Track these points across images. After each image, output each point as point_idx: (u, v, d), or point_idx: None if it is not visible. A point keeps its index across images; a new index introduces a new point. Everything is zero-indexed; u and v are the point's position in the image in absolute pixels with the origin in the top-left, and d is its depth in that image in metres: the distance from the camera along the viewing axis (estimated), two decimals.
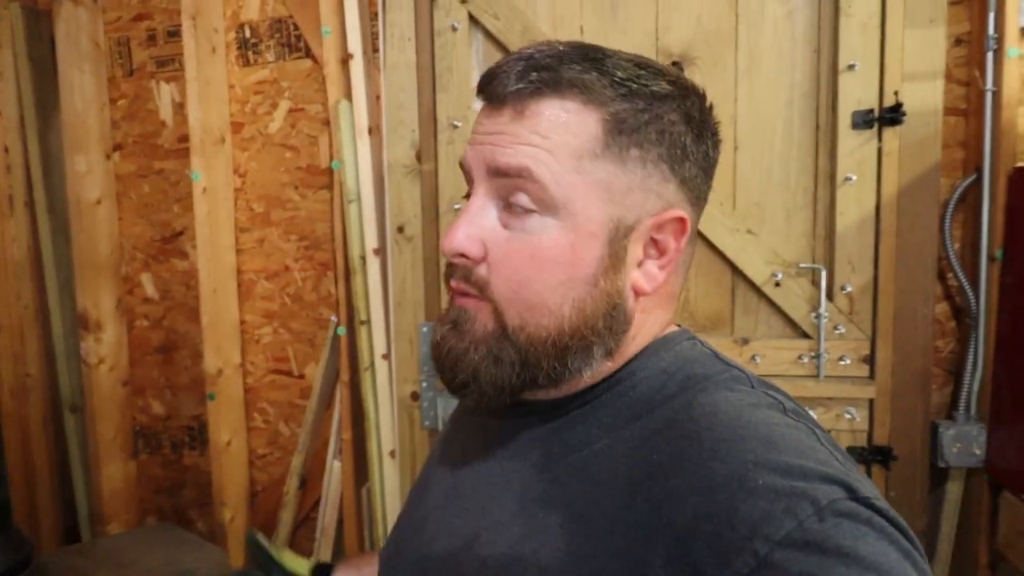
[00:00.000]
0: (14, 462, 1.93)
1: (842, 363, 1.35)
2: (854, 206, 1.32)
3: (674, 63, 1.38)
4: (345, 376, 1.70)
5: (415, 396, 1.55)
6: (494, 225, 0.51)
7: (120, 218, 1.99)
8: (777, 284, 1.37)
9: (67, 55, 1.85)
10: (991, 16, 1.28)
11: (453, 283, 0.52)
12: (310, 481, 1.83)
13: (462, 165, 0.54)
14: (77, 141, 1.88)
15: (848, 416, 1.35)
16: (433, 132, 1.50)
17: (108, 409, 1.96)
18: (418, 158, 1.51)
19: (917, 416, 1.34)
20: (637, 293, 0.52)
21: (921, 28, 1.27)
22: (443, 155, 1.49)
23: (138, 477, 2.05)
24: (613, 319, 0.51)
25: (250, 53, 1.80)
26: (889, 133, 1.30)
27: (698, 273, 1.41)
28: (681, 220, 0.51)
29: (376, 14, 1.56)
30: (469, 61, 1.47)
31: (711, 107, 0.54)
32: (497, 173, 0.50)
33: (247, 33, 1.80)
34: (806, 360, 1.37)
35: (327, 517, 1.77)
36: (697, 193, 0.53)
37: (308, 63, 1.76)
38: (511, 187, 0.49)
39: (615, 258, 0.50)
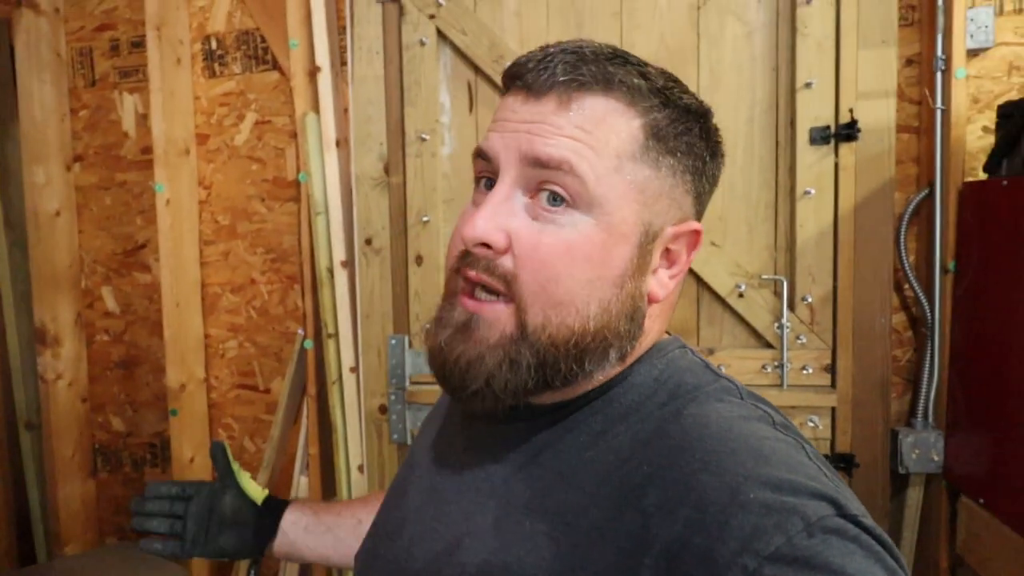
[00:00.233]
0: None
1: (804, 372, 1.38)
2: (813, 219, 1.36)
3: None
4: (312, 390, 1.68)
5: (383, 409, 1.54)
6: (521, 215, 0.49)
7: (81, 230, 1.94)
8: (740, 295, 1.40)
9: (26, 65, 1.81)
10: (939, 38, 1.33)
11: (474, 274, 0.49)
12: None
13: (481, 151, 0.51)
14: (35, 152, 1.83)
15: (811, 424, 1.37)
16: (401, 145, 1.50)
17: (66, 426, 1.91)
18: (386, 171, 1.51)
19: (877, 424, 1.37)
20: (651, 300, 0.52)
21: (874, 48, 1.31)
22: (411, 168, 1.49)
23: (97, 496, 1.99)
24: (632, 322, 0.51)
25: (216, 65, 1.79)
26: (845, 149, 1.34)
27: None
28: (697, 233, 0.52)
29: (344, 27, 1.56)
30: (437, 75, 1.48)
31: (717, 128, 0.55)
32: (535, 163, 0.48)
33: (213, 45, 1.79)
34: (770, 370, 1.39)
35: None
36: (702, 209, 0.55)
37: (275, 75, 1.75)
38: (545, 178, 0.48)
39: (642, 262, 0.50)
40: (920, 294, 1.40)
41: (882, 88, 1.32)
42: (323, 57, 1.59)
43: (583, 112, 0.48)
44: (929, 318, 1.39)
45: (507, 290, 0.48)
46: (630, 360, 0.53)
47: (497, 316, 0.49)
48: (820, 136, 1.34)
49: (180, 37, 1.76)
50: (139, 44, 1.82)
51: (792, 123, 1.36)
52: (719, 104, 1.39)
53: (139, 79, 1.85)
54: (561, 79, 0.48)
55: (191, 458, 1.80)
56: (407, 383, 1.53)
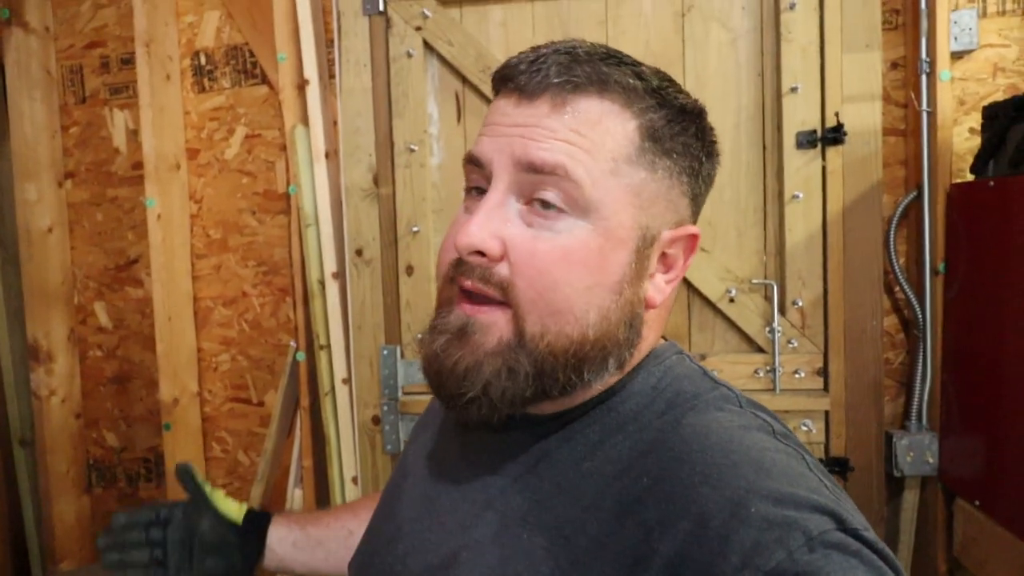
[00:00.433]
0: None
1: (797, 376, 1.38)
2: (802, 223, 1.36)
3: None
4: (305, 402, 1.68)
5: (376, 420, 1.54)
6: (515, 222, 0.47)
7: (73, 247, 1.94)
8: (731, 300, 1.39)
9: (17, 83, 1.82)
10: (923, 41, 1.34)
11: (470, 283, 0.47)
12: (271, 511, 1.79)
13: (472, 157, 0.50)
14: (27, 169, 1.84)
15: (805, 428, 1.37)
16: (390, 156, 1.50)
17: (60, 442, 1.90)
18: (375, 182, 1.51)
19: (871, 427, 1.37)
20: (648, 306, 0.51)
21: (858, 52, 1.32)
22: (400, 179, 1.49)
23: (92, 512, 1.98)
24: (631, 329, 0.49)
25: (205, 80, 1.80)
26: (832, 152, 1.34)
27: None
28: (694, 237, 0.51)
29: (332, 40, 1.57)
30: (424, 86, 1.48)
31: (712, 127, 0.54)
32: (529, 168, 0.46)
33: (202, 60, 1.79)
34: (762, 374, 1.39)
35: None
36: (698, 211, 0.54)
37: (264, 89, 1.76)
38: (540, 184, 0.46)
39: (640, 267, 0.49)
40: (911, 296, 1.40)
41: (867, 92, 1.32)
42: (311, 70, 1.60)
43: (578, 114, 0.47)
44: (920, 320, 1.39)
45: (504, 298, 0.47)
46: (628, 368, 0.52)
47: (494, 321, 0.47)
48: (807, 140, 1.34)
49: (169, 53, 1.76)
50: (129, 61, 1.83)
51: (779, 128, 1.36)
52: None
53: (129, 95, 1.85)
54: (555, 81, 0.47)
55: None
56: (400, 393, 1.52)
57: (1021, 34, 1.39)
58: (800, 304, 1.37)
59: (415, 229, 1.49)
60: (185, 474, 0.75)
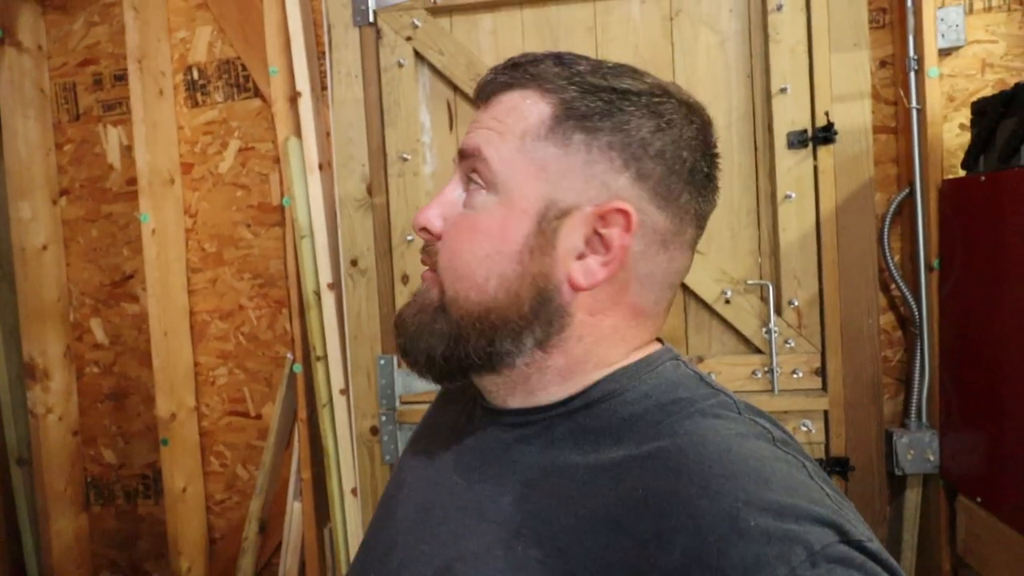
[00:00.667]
0: None
1: (795, 376, 1.37)
2: (795, 223, 1.36)
3: None
4: (303, 414, 1.67)
5: (375, 431, 1.53)
6: (456, 204, 0.54)
7: (68, 264, 1.94)
8: (727, 301, 1.39)
9: (10, 102, 1.82)
10: (911, 39, 1.35)
11: (423, 257, 0.55)
12: (270, 525, 1.78)
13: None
14: (21, 187, 1.84)
15: (804, 428, 1.36)
16: (383, 166, 1.50)
17: (57, 460, 1.89)
18: (369, 192, 1.51)
19: (871, 425, 1.36)
20: (573, 287, 0.50)
21: (846, 52, 1.33)
22: (393, 188, 1.50)
23: (90, 530, 1.97)
24: (541, 306, 0.50)
25: (198, 94, 1.80)
26: (823, 151, 1.34)
27: None
28: (623, 212, 0.49)
29: (323, 52, 1.57)
30: (416, 96, 1.49)
31: (709, 122, 0.54)
32: (461, 155, 0.54)
33: (195, 75, 1.80)
34: (760, 375, 1.38)
35: (289, 562, 1.72)
36: (668, 196, 0.51)
37: (257, 102, 1.76)
38: (469, 168, 0.53)
39: (542, 238, 0.49)
40: (907, 293, 1.40)
41: (856, 90, 1.33)
42: (303, 82, 1.61)
43: (500, 106, 0.53)
44: (917, 317, 1.38)
45: (435, 268, 0.54)
46: (588, 361, 0.51)
47: (431, 287, 0.54)
48: (798, 140, 1.34)
49: (162, 69, 1.77)
50: (121, 77, 1.84)
51: (769, 128, 1.36)
52: None
53: (123, 112, 1.86)
54: (497, 84, 0.54)
55: (183, 488, 1.78)
56: (397, 403, 1.52)
57: (1008, 30, 1.40)
58: (796, 304, 1.37)
59: (409, 238, 1.49)
60: None
